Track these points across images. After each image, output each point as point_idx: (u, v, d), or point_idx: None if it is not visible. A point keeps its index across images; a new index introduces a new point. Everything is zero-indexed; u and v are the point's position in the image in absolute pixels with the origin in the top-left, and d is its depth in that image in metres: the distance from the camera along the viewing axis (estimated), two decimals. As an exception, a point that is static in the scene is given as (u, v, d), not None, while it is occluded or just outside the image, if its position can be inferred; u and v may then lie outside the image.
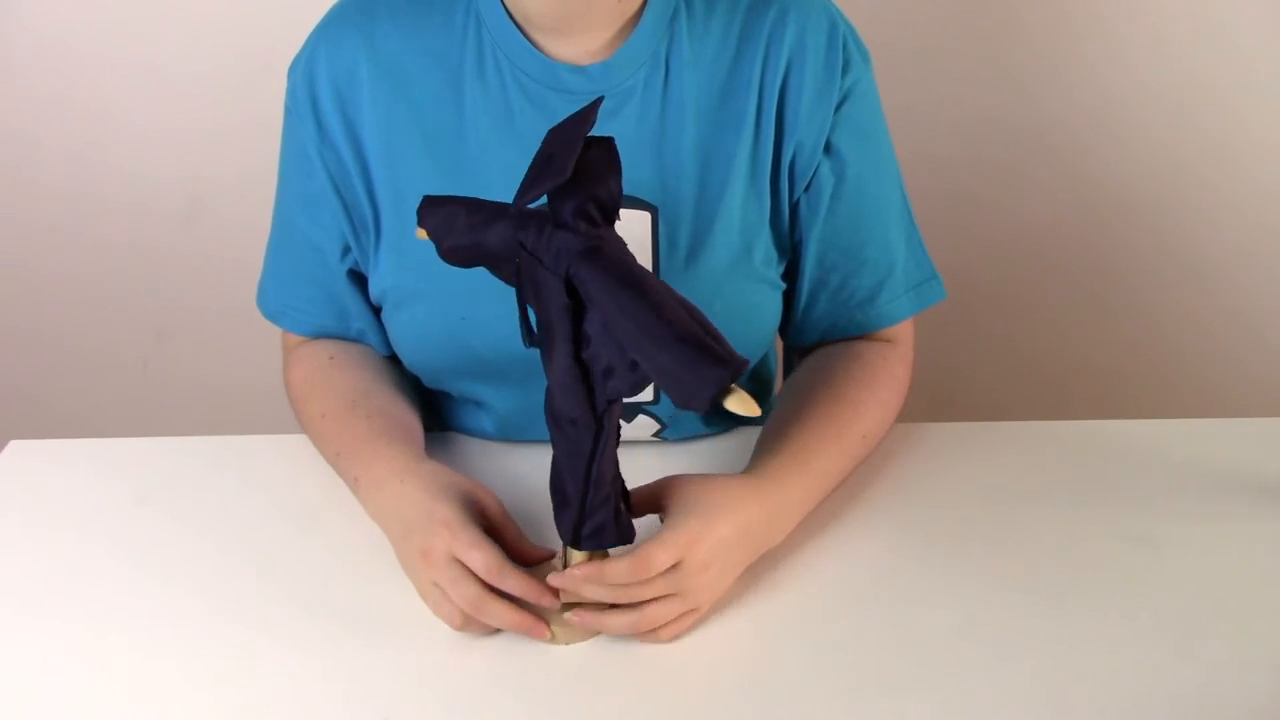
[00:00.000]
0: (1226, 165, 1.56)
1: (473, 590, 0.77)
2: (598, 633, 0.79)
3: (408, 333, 0.96)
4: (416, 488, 0.83)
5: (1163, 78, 1.51)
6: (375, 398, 0.95)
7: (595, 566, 0.77)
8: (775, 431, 0.92)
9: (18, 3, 1.50)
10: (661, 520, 0.81)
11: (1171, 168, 1.56)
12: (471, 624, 0.79)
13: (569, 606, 0.79)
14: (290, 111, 0.95)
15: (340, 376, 0.97)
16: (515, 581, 0.77)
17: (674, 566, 0.77)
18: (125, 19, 1.50)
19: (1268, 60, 1.48)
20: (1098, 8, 1.48)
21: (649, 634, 0.78)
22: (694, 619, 0.80)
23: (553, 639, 0.79)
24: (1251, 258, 1.61)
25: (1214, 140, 1.54)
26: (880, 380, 0.96)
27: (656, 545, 0.77)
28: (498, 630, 0.79)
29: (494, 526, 0.83)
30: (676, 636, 0.79)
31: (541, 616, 0.79)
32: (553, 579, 0.77)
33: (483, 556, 0.77)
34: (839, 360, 0.98)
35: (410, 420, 0.95)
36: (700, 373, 0.65)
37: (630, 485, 0.91)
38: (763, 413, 1.05)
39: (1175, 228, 1.60)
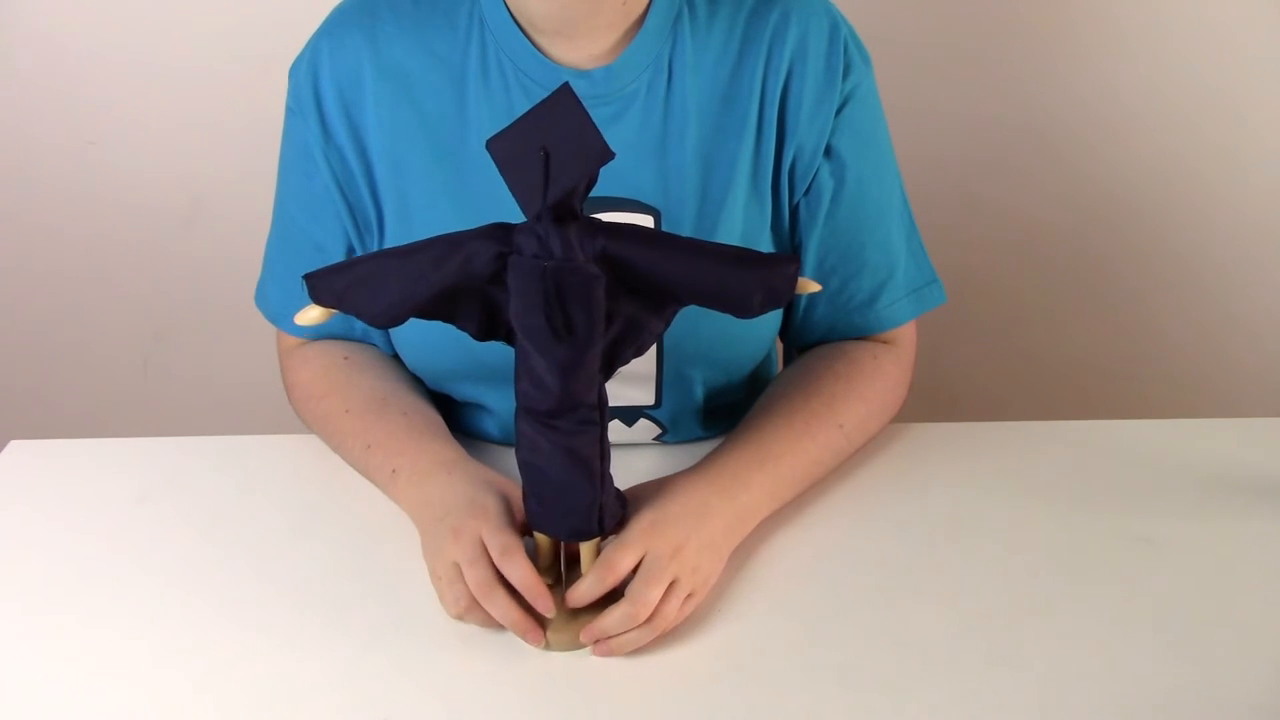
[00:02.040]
0: (1228, 166, 1.56)
1: (484, 574, 0.77)
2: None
3: (411, 336, 0.96)
4: (464, 479, 0.85)
5: (1165, 78, 1.51)
6: (405, 396, 0.96)
7: (572, 596, 0.78)
8: (743, 424, 0.93)
9: (18, 2, 1.50)
10: None
11: (1173, 168, 1.56)
12: (470, 613, 0.78)
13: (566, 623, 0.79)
14: (293, 112, 0.95)
15: (361, 375, 0.98)
16: (520, 571, 0.77)
17: (645, 560, 0.78)
18: (125, 19, 1.50)
19: (1269, 61, 1.49)
20: (1099, 7, 1.48)
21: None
22: (693, 604, 0.80)
23: (548, 645, 0.79)
24: (1252, 258, 1.61)
25: (1215, 140, 1.54)
26: (864, 376, 0.97)
27: (614, 547, 0.79)
28: (496, 627, 0.79)
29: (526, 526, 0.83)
30: (678, 624, 0.79)
31: (540, 623, 0.79)
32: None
33: (502, 538, 0.78)
34: (825, 357, 0.98)
35: (440, 420, 0.96)
36: (775, 269, 0.71)
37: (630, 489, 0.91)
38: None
39: (1176, 228, 1.60)
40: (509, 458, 0.99)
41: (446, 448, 0.90)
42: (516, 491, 0.84)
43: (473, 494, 0.83)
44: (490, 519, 0.79)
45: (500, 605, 0.77)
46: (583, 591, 0.78)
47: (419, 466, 0.88)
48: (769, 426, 0.91)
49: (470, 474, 0.86)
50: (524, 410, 0.76)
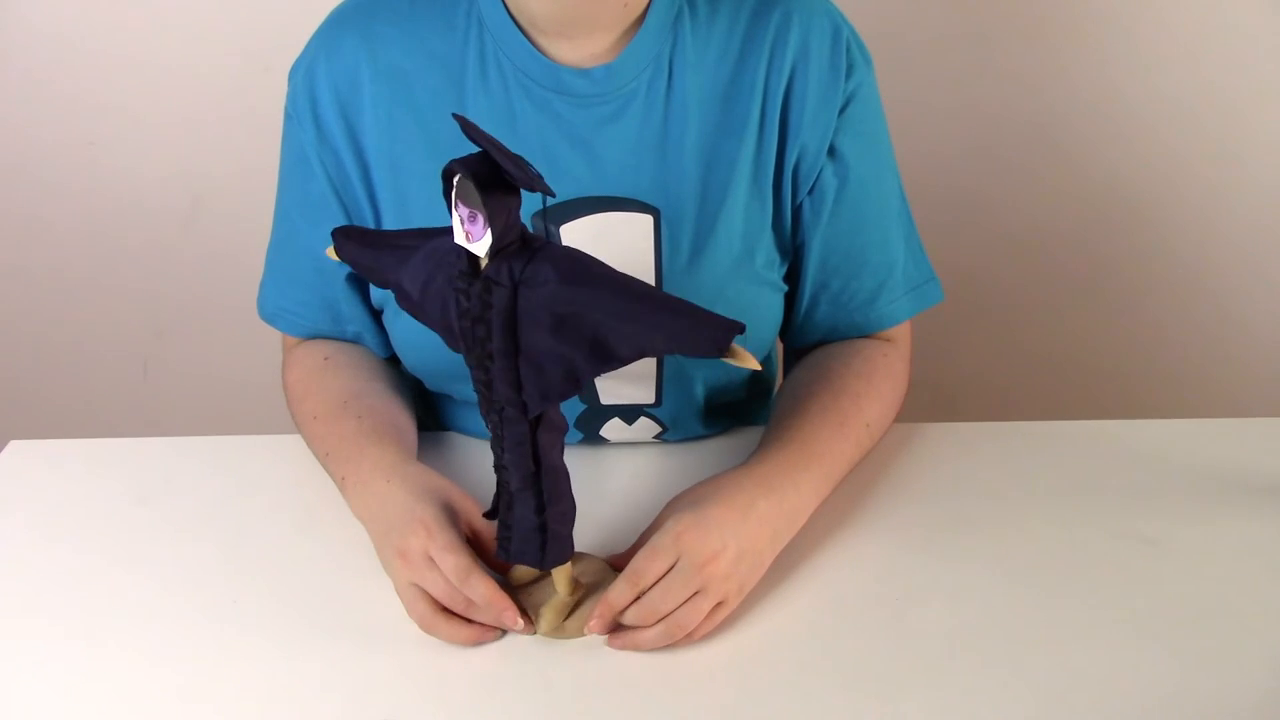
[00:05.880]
0: (1229, 165, 1.56)
1: (426, 609, 0.78)
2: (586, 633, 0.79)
3: (409, 337, 0.96)
4: (401, 488, 0.83)
5: (1167, 77, 1.51)
6: (367, 397, 0.95)
7: (605, 605, 0.77)
8: (777, 425, 0.92)
9: (18, 3, 1.50)
10: None
11: (1174, 167, 1.56)
12: (436, 628, 0.79)
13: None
14: (290, 116, 0.95)
15: (333, 377, 0.97)
16: (481, 590, 0.77)
17: (677, 565, 0.77)
18: (126, 19, 1.50)
19: (1271, 61, 1.49)
20: (1100, 5, 1.48)
21: (684, 638, 0.78)
22: (724, 613, 0.79)
23: (549, 632, 0.79)
24: (1253, 258, 1.61)
25: (1217, 140, 1.54)
26: (879, 374, 0.97)
27: (646, 553, 0.78)
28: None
29: (474, 534, 0.82)
30: (707, 633, 0.79)
31: (525, 610, 0.79)
32: (596, 627, 0.78)
33: (454, 559, 0.77)
34: (838, 357, 0.98)
35: (401, 420, 0.95)
36: None
37: (631, 487, 0.91)
38: (761, 411, 1.06)
39: (1177, 228, 1.60)
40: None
41: (389, 452, 0.88)
42: (458, 494, 0.83)
43: (410, 504, 0.81)
44: (434, 535, 0.78)
45: (448, 631, 0.78)
46: (614, 600, 0.77)
47: (361, 475, 0.87)
48: (808, 425, 0.90)
49: (410, 481, 0.84)
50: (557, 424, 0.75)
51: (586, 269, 0.70)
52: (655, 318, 0.68)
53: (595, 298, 0.69)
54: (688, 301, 0.69)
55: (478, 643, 0.79)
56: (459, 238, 0.69)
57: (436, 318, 0.74)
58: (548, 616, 0.79)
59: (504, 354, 0.71)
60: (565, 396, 0.72)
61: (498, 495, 0.78)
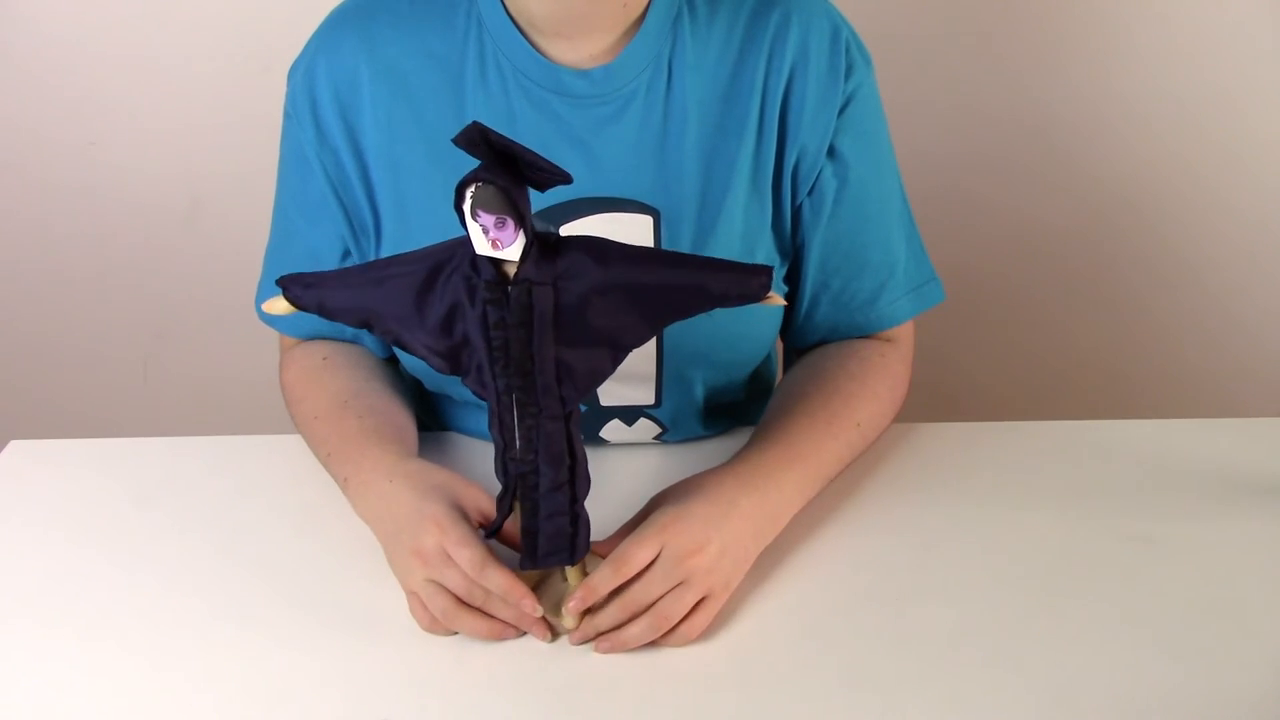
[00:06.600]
0: (1230, 165, 1.56)
1: (447, 602, 0.78)
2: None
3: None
4: (404, 487, 0.83)
5: (1168, 77, 1.51)
6: (367, 397, 0.95)
7: (586, 588, 0.77)
8: (766, 424, 0.93)
9: (18, 2, 1.50)
10: None
11: (1175, 167, 1.56)
12: (438, 625, 0.79)
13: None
14: (289, 116, 0.95)
15: (332, 377, 0.97)
16: (498, 580, 0.77)
17: (660, 557, 0.77)
18: (126, 19, 1.50)
19: (1273, 60, 1.48)
20: (1102, 5, 1.48)
21: (673, 635, 0.78)
22: (713, 607, 0.79)
23: (554, 638, 0.79)
24: (1253, 258, 1.61)
25: (1218, 139, 1.54)
26: (875, 374, 0.97)
27: (631, 540, 0.78)
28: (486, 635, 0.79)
29: (485, 521, 0.83)
30: (701, 631, 0.79)
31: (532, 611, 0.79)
32: (574, 611, 0.78)
33: (469, 552, 0.77)
34: (834, 356, 0.98)
35: (402, 419, 0.95)
36: None
37: (632, 488, 0.91)
38: (760, 412, 1.06)
39: (1177, 227, 1.60)
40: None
41: (390, 453, 0.88)
42: (464, 488, 0.83)
43: (418, 503, 0.81)
44: (446, 531, 0.78)
45: (471, 624, 0.78)
46: (596, 584, 0.77)
47: (362, 475, 0.87)
48: (794, 425, 0.91)
49: (413, 479, 0.84)
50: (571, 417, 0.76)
51: (617, 249, 0.72)
52: (694, 279, 0.71)
53: (635, 274, 0.71)
54: (712, 257, 0.73)
55: (501, 638, 0.79)
56: (483, 249, 0.69)
57: (449, 344, 0.74)
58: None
59: (547, 351, 0.71)
60: (604, 379, 0.74)
61: (503, 510, 0.78)
